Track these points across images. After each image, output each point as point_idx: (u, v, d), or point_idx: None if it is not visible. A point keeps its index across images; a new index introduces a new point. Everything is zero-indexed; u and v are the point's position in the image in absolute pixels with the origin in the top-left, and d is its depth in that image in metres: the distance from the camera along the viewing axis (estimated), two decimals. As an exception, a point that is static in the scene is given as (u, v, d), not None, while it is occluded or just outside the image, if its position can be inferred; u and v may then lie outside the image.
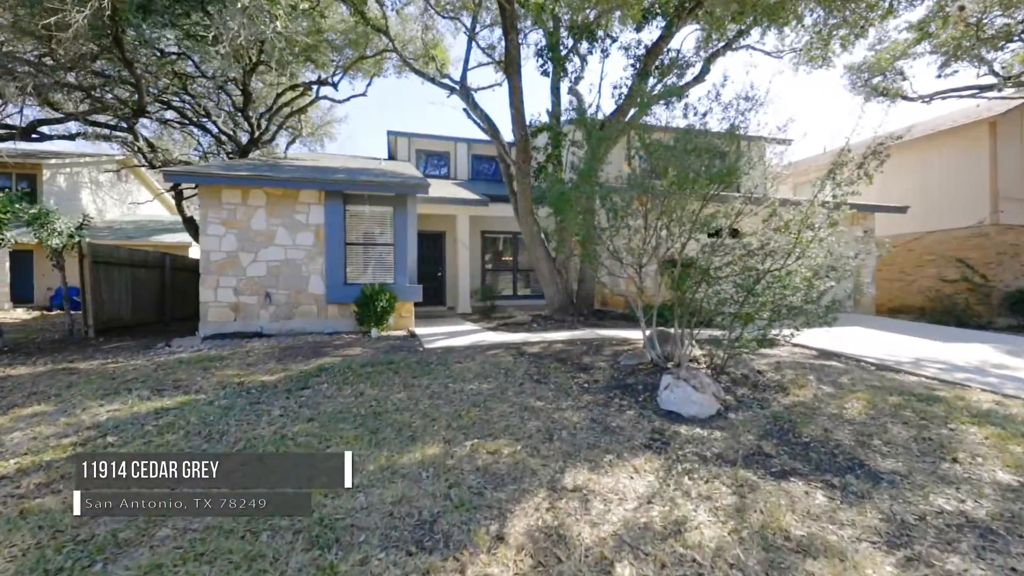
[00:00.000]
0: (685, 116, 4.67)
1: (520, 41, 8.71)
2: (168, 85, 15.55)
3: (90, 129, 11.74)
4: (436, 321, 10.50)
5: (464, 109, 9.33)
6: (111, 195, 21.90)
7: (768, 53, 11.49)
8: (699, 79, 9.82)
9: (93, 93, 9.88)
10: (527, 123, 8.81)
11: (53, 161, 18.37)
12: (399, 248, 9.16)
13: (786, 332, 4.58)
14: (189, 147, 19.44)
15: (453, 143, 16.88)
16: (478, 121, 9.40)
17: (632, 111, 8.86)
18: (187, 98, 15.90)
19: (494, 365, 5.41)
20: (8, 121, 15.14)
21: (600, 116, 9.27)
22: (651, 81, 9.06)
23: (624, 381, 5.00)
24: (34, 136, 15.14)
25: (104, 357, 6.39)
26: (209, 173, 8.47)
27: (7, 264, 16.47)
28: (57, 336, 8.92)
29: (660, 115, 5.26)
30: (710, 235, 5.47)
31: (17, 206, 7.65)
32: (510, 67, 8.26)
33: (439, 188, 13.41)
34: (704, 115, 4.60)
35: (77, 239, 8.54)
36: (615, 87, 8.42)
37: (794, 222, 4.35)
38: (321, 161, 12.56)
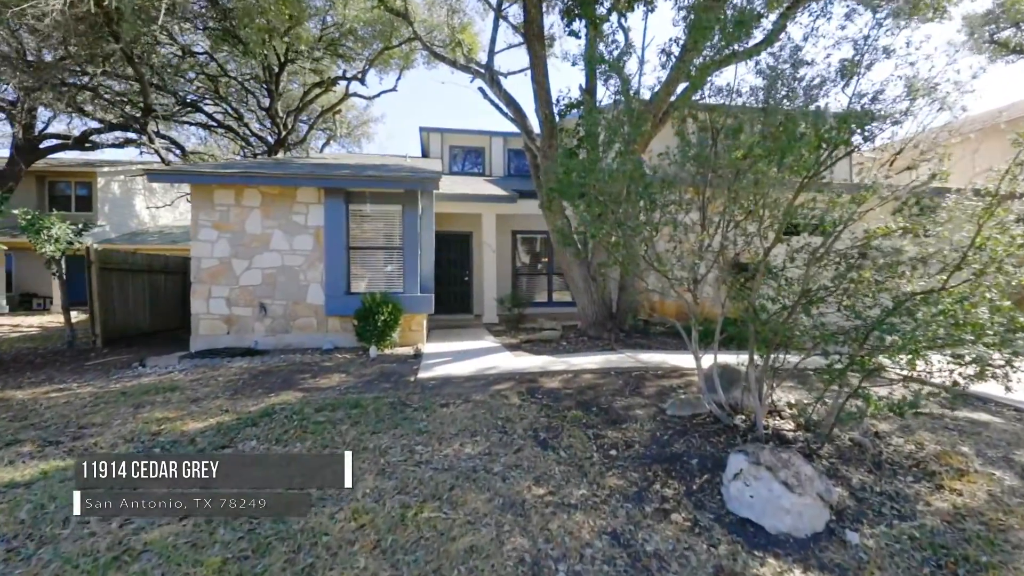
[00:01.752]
0: (772, 54, 3.02)
1: None
2: (202, 88, 15.51)
3: (111, 135, 11.56)
4: (456, 334, 9.29)
5: (480, 88, 8.03)
6: (164, 200, 22.60)
7: (862, 2, 9.23)
8: (770, 40, 7.87)
9: (100, 92, 9.51)
10: (554, 101, 7.33)
11: (106, 169, 19.07)
12: (408, 252, 8.01)
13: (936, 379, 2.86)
14: (231, 151, 19.60)
15: (488, 138, 15.67)
16: (497, 102, 8.06)
17: (683, 86, 7.18)
18: (219, 101, 15.82)
19: (491, 412, 4.03)
20: (57, 132, 15.72)
21: (644, 94, 7.59)
22: (706, 53, 7.29)
23: (670, 447, 3.46)
24: (87, 145, 15.62)
25: (65, 380, 5.68)
26: (196, 171, 7.72)
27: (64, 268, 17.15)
28: (62, 346, 8.56)
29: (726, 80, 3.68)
30: (786, 233, 3.80)
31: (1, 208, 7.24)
32: (530, 31, 6.82)
33: (468, 185, 12.23)
34: (798, 48, 2.92)
35: (77, 245, 8.11)
36: (662, 50, 6.75)
37: (958, 213, 2.62)
38: (342, 160, 11.76)
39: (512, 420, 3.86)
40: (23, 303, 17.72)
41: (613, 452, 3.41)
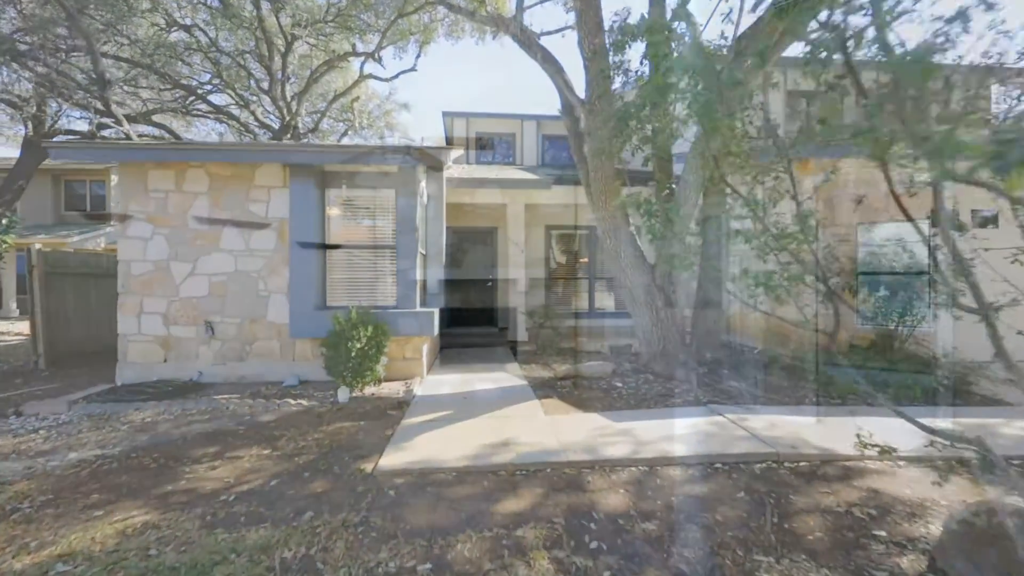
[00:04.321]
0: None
1: None
2: (210, 76, 14.13)
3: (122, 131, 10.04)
4: (471, 357, 7.12)
5: (488, 26, 5.76)
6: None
7: None
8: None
9: (43, 59, 7.94)
10: (607, 29, 4.97)
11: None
12: (404, 252, 5.88)
13: None
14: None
15: (519, 122, 13.51)
16: (516, 34, 5.79)
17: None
18: (225, 87, 14.40)
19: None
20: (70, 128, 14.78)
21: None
22: None
23: None
24: (96, 141, 14.60)
25: None
26: (116, 146, 5.90)
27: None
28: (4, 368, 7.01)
29: None
30: None
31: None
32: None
33: (492, 171, 10.07)
34: None
35: (4, 245, 6.53)
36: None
37: None
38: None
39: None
40: (37, 306, 17.13)
41: None
